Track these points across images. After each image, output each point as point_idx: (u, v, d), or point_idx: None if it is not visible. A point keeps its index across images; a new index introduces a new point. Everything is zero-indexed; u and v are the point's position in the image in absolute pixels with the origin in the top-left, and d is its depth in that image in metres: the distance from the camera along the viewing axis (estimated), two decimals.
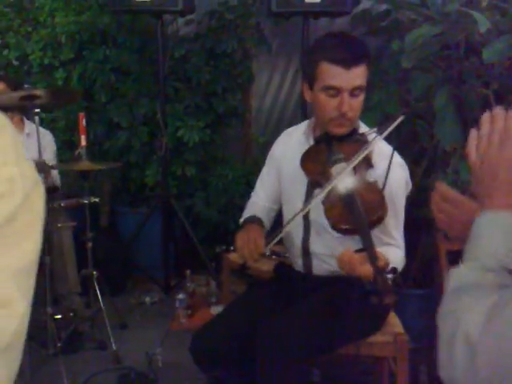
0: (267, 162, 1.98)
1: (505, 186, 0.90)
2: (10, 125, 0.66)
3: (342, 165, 1.65)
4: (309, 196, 1.79)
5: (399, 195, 1.71)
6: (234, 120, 3.73)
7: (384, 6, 3.05)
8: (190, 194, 3.65)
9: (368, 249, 1.47)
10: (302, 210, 1.72)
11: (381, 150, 1.71)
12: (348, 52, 1.62)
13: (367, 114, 2.59)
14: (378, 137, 1.69)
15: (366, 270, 1.44)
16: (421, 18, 2.57)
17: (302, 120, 2.92)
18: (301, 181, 1.79)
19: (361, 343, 1.69)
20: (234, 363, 1.72)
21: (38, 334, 2.47)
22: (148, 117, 3.52)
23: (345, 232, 1.60)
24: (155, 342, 2.68)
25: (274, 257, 2.69)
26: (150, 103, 3.48)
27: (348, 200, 1.58)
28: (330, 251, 1.77)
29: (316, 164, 1.71)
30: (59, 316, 2.62)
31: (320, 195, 1.65)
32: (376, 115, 2.61)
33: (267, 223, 1.90)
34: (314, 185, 1.75)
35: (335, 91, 1.63)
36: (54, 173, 2.91)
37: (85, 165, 2.56)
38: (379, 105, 2.60)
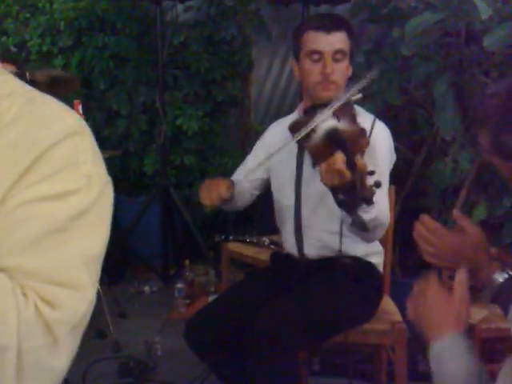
0: (254, 150, 2.02)
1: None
2: (89, 128, 0.77)
3: (325, 110, 1.64)
4: (299, 171, 1.81)
5: (383, 155, 1.72)
6: (233, 108, 3.72)
7: None
8: (189, 183, 3.64)
9: (346, 154, 1.42)
10: (272, 155, 1.71)
11: (365, 113, 1.78)
12: (328, 19, 1.76)
13: (367, 103, 2.59)
14: (356, 86, 1.68)
15: (341, 168, 1.39)
16: (421, 5, 2.55)
17: None
18: (290, 162, 1.83)
19: (359, 331, 1.70)
20: (229, 349, 1.74)
21: None
22: (147, 105, 3.51)
23: (324, 157, 1.52)
24: (154, 330, 2.68)
25: (272, 246, 2.69)
26: (149, 91, 3.46)
27: (329, 132, 1.55)
28: (322, 225, 1.80)
29: (303, 126, 1.69)
30: None
31: (302, 133, 1.62)
32: (376, 103, 2.60)
33: (239, 195, 1.94)
34: (302, 161, 1.79)
35: (318, 55, 1.72)
36: None
37: None
38: (379, 93, 2.58)
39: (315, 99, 1.78)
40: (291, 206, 1.86)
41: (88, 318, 0.77)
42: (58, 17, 3.43)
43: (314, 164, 1.61)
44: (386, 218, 1.71)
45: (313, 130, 1.58)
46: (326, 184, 1.46)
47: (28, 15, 3.56)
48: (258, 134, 3.64)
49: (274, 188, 1.96)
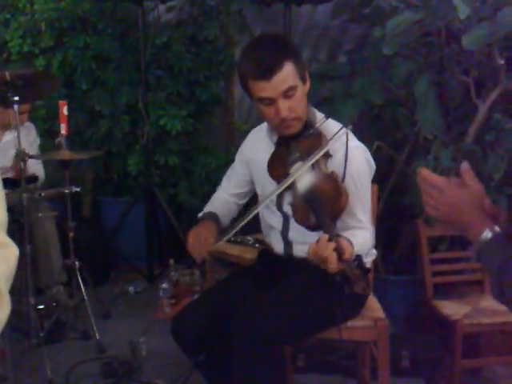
0: (236, 161, 2.00)
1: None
2: None
3: (299, 163, 1.70)
4: (280, 196, 1.81)
5: (361, 178, 1.74)
6: (217, 108, 3.72)
7: None
8: (173, 183, 3.64)
9: (334, 243, 1.50)
10: (255, 209, 1.75)
11: (335, 133, 1.73)
12: (264, 64, 1.63)
13: (349, 102, 2.62)
14: (333, 126, 1.74)
15: (333, 266, 1.48)
16: (403, 4, 2.57)
17: None
18: (271, 183, 1.82)
19: (342, 328, 1.71)
20: (215, 345, 1.75)
21: (20, 324, 2.46)
22: (130, 105, 3.49)
23: (313, 229, 1.65)
24: (139, 331, 2.67)
25: (257, 245, 2.70)
26: (132, 91, 3.45)
27: (308, 198, 1.64)
28: (310, 239, 1.79)
29: (279, 168, 1.76)
30: (42, 306, 2.61)
31: (273, 194, 1.71)
32: (357, 103, 2.62)
33: (225, 218, 1.93)
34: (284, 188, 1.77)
35: (268, 100, 1.67)
36: (35, 163, 2.88)
37: (65, 154, 2.53)
38: (361, 92, 2.60)
39: (282, 135, 1.78)
40: (278, 225, 1.86)
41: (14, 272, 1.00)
42: (38, 17, 3.41)
43: (305, 228, 1.68)
44: (370, 245, 1.75)
45: (292, 183, 1.67)
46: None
47: (8, 16, 3.53)
48: (241, 134, 3.69)
49: (260, 209, 1.93)
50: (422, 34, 2.60)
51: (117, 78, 3.46)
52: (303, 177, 1.66)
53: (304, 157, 1.69)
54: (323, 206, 1.59)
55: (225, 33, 3.55)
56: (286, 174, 1.71)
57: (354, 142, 1.75)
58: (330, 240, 1.50)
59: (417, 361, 2.36)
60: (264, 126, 1.93)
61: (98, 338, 2.59)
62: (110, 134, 3.51)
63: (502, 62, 2.38)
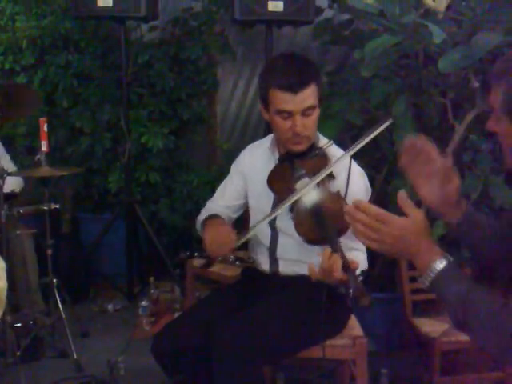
0: (232, 173, 2.02)
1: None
2: None
3: (306, 180, 1.74)
4: (274, 212, 1.82)
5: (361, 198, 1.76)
6: (199, 126, 3.74)
7: (346, 16, 3.11)
8: (154, 201, 3.64)
9: (339, 255, 1.52)
10: (268, 216, 1.77)
11: (339, 159, 1.78)
12: (294, 77, 1.71)
13: (328, 122, 2.66)
14: (339, 159, 1.78)
15: (339, 276, 1.48)
16: (382, 27, 2.63)
17: (267, 127, 2.98)
18: (267, 196, 1.84)
19: (320, 346, 1.72)
20: (196, 363, 1.74)
21: None
22: (111, 123, 3.50)
23: (315, 243, 1.67)
24: (117, 349, 2.65)
25: (237, 263, 2.70)
26: (114, 109, 3.45)
27: (315, 213, 1.67)
28: (296, 256, 1.82)
29: (281, 182, 1.79)
30: (19, 324, 2.57)
31: (286, 203, 1.72)
32: (337, 123, 2.66)
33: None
34: (280, 202, 1.80)
35: (287, 114, 1.73)
36: (13, 179, 2.86)
37: (44, 171, 2.52)
38: (340, 113, 2.65)
39: (288, 150, 1.82)
40: (266, 241, 1.88)
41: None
42: (20, 35, 3.40)
43: (305, 241, 1.69)
44: (365, 266, 1.79)
45: (296, 202, 1.69)
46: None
47: None
48: (224, 152, 3.72)
49: (250, 222, 1.97)
50: (401, 57, 2.67)
51: (98, 95, 3.47)
52: (310, 192, 1.70)
53: (310, 174, 1.74)
54: (330, 221, 1.61)
55: (207, 53, 3.58)
56: (289, 189, 1.74)
57: (356, 167, 1.81)
58: (334, 252, 1.52)
59: (396, 378, 2.37)
60: (265, 141, 1.98)
61: (75, 356, 2.56)
62: (90, 151, 3.51)
63: (477, 84, 2.45)
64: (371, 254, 2.99)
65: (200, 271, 2.72)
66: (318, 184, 1.72)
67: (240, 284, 1.99)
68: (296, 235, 1.70)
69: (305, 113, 1.73)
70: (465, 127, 2.57)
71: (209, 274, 2.69)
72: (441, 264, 1.12)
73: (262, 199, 1.87)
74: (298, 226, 1.69)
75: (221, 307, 1.84)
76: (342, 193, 1.71)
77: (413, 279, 2.53)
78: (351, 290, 1.44)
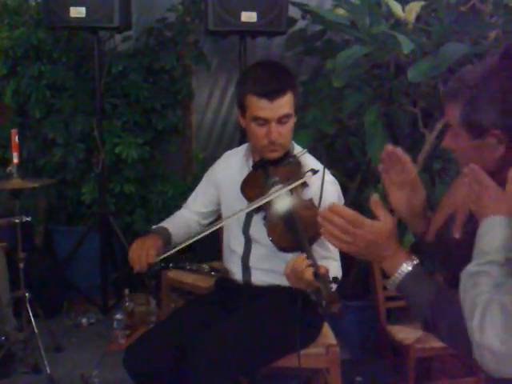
0: (205, 180, 2.03)
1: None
2: None
3: (279, 186, 1.74)
4: (248, 218, 1.84)
5: None
6: (174, 136, 3.73)
7: (319, 27, 3.15)
8: (129, 212, 3.60)
9: (309, 258, 1.53)
10: (223, 221, 1.80)
11: (313, 166, 1.79)
12: (271, 85, 1.72)
13: (302, 132, 2.68)
14: (311, 160, 1.82)
15: (309, 279, 1.48)
16: (352, 38, 2.67)
17: (242, 136, 2.99)
18: (241, 203, 1.84)
19: (294, 355, 1.71)
20: (168, 376, 1.72)
21: None
22: (85, 133, 3.46)
23: (287, 249, 1.67)
24: (92, 364, 2.62)
25: (212, 273, 2.70)
26: (87, 119, 3.43)
27: (287, 219, 1.67)
28: (269, 265, 1.81)
29: (255, 189, 1.79)
30: None
31: (250, 207, 1.73)
32: (310, 132, 2.68)
33: (181, 235, 1.92)
34: (254, 209, 1.80)
35: (263, 121, 1.73)
36: None
37: (16, 183, 2.49)
38: (313, 122, 2.67)
39: (263, 157, 1.82)
40: (240, 249, 1.88)
41: None
42: None
43: (277, 248, 1.69)
44: (338, 274, 1.76)
45: (268, 203, 1.70)
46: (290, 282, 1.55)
47: None
48: (199, 162, 3.71)
49: (224, 231, 1.98)
50: (372, 67, 2.71)
51: (71, 106, 3.44)
52: (283, 199, 1.70)
53: (283, 181, 1.74)
54: (302, 228, 1.62)
55: (182, 63, 3.58)
56: (262, 195, 1.74)
57: (330, 177, 1.82)
58: (306, 258, 1.52)
59: None
60: (240, 149, 1.99)
61: (48, 371, 2.51)
62: (64, 162, 3.47)
63: None
64: (345, 262, 3.01)
65: (174, 282, 2.71)
66: (291, 191, 1.72)
67: (213, 295, 1.99)
68: (269, 244, 1.70)
69: (280, 120, 1.73)
70: (435, 136, 2.61)
71: (183, 286, 2.67)
72: (408, 267, 1.15)
73: (235, 206, 1.86)
74: (271, 232, 1.69)
75: (194, 319, 1.83)
76: (316, 201, 1.71)
77: (387, 287, 2.55)
78: (322, 297, 1.44)
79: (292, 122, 1.78)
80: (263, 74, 1.76)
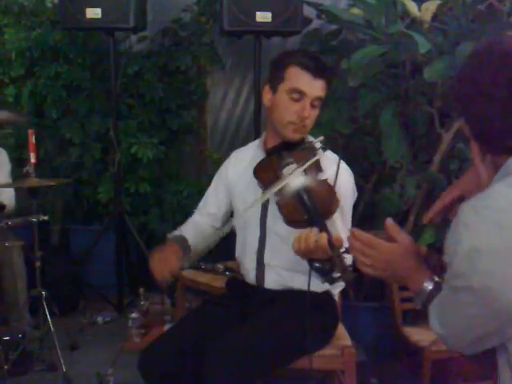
0: (214, 182, 2.01)
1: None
2: None
3: (293, 166, 1.71)
4: (264, 209, 1.82)
5: (347, 197, 1.78)
6: (189, 136, 3.74)
7: (334, 26, 3.13)
8: (144, 211, 3.62)
9: (323, 231, 1.51)
10: (246, 210, 1.77)
11: (328, 156, 1.80)
12: (318, 62, 1.74)
13: (317, 131, 2.67)
14: (328, 150, 1.78)
15: (324, 246, 1.47)
16: (368, 37, 2.65)
17: (256, 136, 2.98)
18: (254, 192, 1.81)
19: (312, 357, 1.71)
20: (183, 379, 1.71)
21: None
22: (101, 133, 3.50)
23: (299, 224, 1.62)
24: (107, 362, 2.62)
25: (227, 273, 2.70)
26: (103, 120, 3.45)
27: (300, 193, 1.63)
28: (285, 264, 1.80)
29: (268, 172, 1.76)
30: (7, 337, 2.55)
31: (269, 192, 1.68)
32: (326, 132, 2.67)
33: (198, 241, 1.91)
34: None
35: (299, 95, 1.72)
36: (6, 191, 2.85)
37: (32, 182, 2.51)
38: (329, 122, 2.66)
39: (282, 137, 1.79)
40: (255, 244, 1.85)
41: None
42: (9, 47, 3.40)
43: (287, 223, 1.66)
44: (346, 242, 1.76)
45: (283, 187, 1.65)
46: (300, 254, 1.52)
47: None
48: (214, 162, 3.72)
49: (237, 225, 1.95)
50: (388, 66, 2.69)
51: (87, 106, 3.47)
52: (297, 178, 1.67)
53: (298, 162, 1.71)
54: (316, 202, 1.60)
55: (196, 63, 3.59)
56: (276, 177, 1.70)
57: (345, 165, 1.81)
58: (320, 232, 1.51)
59: None
60: (251, 145, 1.98)
61: (64, 369, 2.53)
62: (80, 161, 3.50)
63: None
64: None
65: (189, 282, 2.71)
66: (305, 171, 1.69)
67: (226, 298, 1.97)
68: (284, 233, 1.69)
69: (313, 103, 1.73)
70: (452, 136, 2.58)
71: (198, 285, 2.67)
72: (429, 286, 1.16)
73: (248, 198, 1.83)
74: (283, 208, 1.66)
75: (208, 323, 1.81)
76: (330, 182, 1.69)
77: (402, 288, 2.53)
78: (335, 266, 1.44)
79: (317, 110, 1.78)
80: (311, 53, 1.81)
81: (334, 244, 1.47)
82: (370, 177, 2.86)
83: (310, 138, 1.85)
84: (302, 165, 1.68)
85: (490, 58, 1.02)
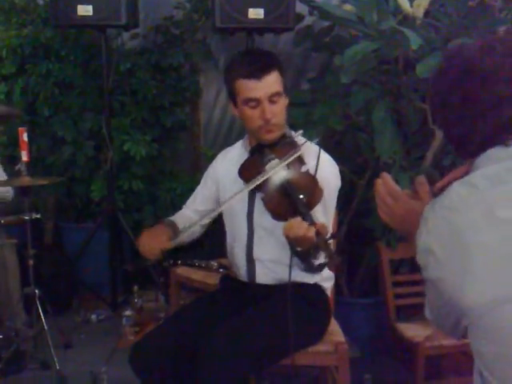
0: (204, 179, 2.05)
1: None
2: None
3: (275, 161, 1.76)
4: (251, 202, 1.84)
5: (329, 187, 1.81)
6: (183, 133, 3.73)
7: (327, 22, 3.13)
8: (138, 209, 3.62)
9: (308, 220, 1.57)
10: (226, 202, 1.81)
11: (309, 149, 1.83)
12: (256, 64, 1.76)
13: (311, 129, 2.67)
14: (308, 142, 1.83)
15: (311, 238, 1.53)
16: (361, 33, 2.65)
17: None
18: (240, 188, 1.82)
19: (302, 353, 1.71)
20: (174, 375, 1.72)
21: None
22: (93, 131, 3.48)
23: (283, 216, 1.67)
24: (101, 360, 2.62)
25: (221, 270, 2.70)
26: (95, 117, 3.44)
27: (284, 186, 1.70)
28: (273, 257, 1.82)
29: (252, 170, 1.80)
30: (0, 336, 2.54)
31: (250, 186, 1.74)
32: (319, 129, 2.67)
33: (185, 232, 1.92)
34: (254, 188, 1.80)
35: (255, 102, 1.76)
36: (4, 189, 2.83)
37: (24, 180, 2.50)
38: (322, 119, 2.66)
39: (260, 140, 1.84)
40: (243, 240, 1.88)
41: None
42: (0, 44, 3.38)
43: (273, 217, 1.71)
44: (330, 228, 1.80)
45: (267, 183, 1.71)
46: (288, 239, 1.59)
47: None
48: (207, 159, 3.70)
49: (226, 223, 1.98)
50: (380, 62, 2.69)
51: (80, 104, 3.46)
52: (279, 172, 1.73)
53: (279, 157, 1.76)
54: (300, 194, 1.65)
55: (189, 60, 3.58)
56: (259, 173, 1.75)
57: (326, 156, 1.85)
58: (305, 221, 1.56)
59: (380, 383, 2.38)
60: (237, 144, 2.01)
61: (58, 368, 2.53)
62: (72, 159, 3.49)
63: None
64: (354, 260, 3.01)
65: (183, 279, 2.71)
66: (288, 166, 1.74)
67: (219, 293, 1.99)
68: (271, 226, 1.75)
69: (271, 99, 1.76)
70: None
71: (192, 282, 2.67)
72: None
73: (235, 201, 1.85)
74: (268, 204, 1.72)
75: (200, 318, 1.82)
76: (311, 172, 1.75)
77: (396, 284, 2.54)
78: (322, 252, 1.50)
79: (283, 101, 1.81)
80: (247, 58, 1.83)
81: (320, 232, 1.52)
82: (364, 173, 2.86)
83: (291, 133, 1.88)
84: (285, 160, 1.73)
85: (449, 68, 1.08)
